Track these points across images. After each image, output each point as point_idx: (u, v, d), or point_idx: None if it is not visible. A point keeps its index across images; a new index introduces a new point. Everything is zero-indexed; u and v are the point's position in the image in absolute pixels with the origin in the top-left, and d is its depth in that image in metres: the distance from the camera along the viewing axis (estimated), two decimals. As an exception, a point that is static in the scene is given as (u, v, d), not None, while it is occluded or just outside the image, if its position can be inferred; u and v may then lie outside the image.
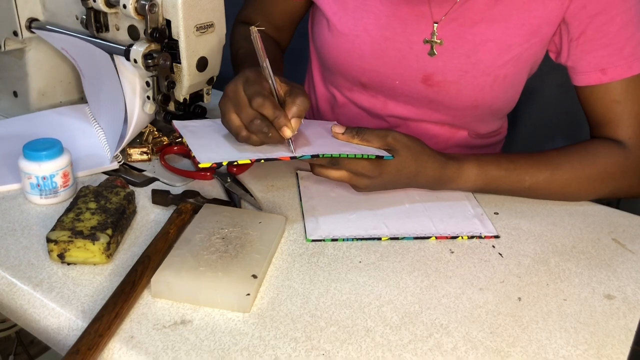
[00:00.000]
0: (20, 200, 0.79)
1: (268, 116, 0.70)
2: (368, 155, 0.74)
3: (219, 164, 0.69)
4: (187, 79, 0.85)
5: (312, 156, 0.72)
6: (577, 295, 0.68)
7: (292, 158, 0.72)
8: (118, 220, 0.69)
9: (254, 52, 0.71)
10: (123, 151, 0.89)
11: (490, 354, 0.59)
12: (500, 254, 0.74)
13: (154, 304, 0.62)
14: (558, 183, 0.84)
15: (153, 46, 0.81)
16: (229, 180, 0.85)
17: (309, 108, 0.73)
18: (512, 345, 0.60)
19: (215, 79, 0.90)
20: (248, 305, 0.61)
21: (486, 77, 0.90)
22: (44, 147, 0.75)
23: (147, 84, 0.86)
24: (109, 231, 0.67)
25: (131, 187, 0.79)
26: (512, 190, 0.85)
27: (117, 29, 0.86)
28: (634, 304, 0.67)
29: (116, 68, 0.85)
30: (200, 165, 0.68)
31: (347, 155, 0.73)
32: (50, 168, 0.76)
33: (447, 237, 0.76)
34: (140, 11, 0.80)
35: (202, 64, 0.85)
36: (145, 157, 0.90)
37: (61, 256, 0.66)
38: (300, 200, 0.83)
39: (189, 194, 0.78)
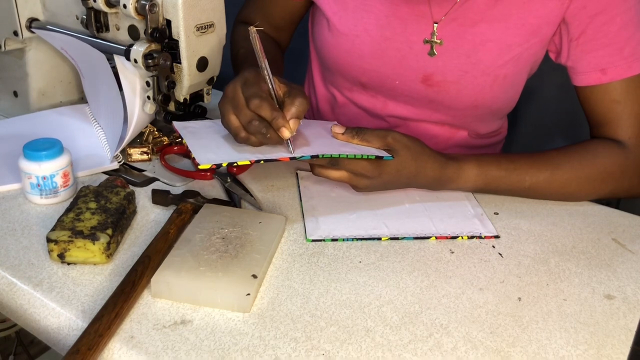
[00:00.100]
0: (21, 200, 0.79)
1: (266, 117, 0.70)
2: (368, 156, 0.74)
3: (219, 165, 0.70)
4: (187, 79, 0.85)
5: (312, 156, 0.72)
6: (577, 295, 0.68)
7: (291, 159, 0.72)
8: (118, 220, 0.69)
9: (254, 53, 0.71)
10: (123, 151, 0.89)
11: (490, 354, 0.59)
12: (500, 254, 0.74)
13: (154, 304, 0.62)
14: (558, 183, 0.84)
15: (153, 46, 0.81)
16: (229, 180, 0.85)
17: (307, 109, 0.73)
18: (512, 345, 0.60)
19: (215, 79, 0.90)
20: (248, 305, 0.61)
21: (486, 77, 0.90)
22: (44, 147, 0.75)
23: (147, 84, 0.86)
24: (109, 231, 0.67)
25: (131, 187, 0.79)
26: (512, 190, 0.85)
27: (118, 29, 0.86)
28: (634, 304, 0.67)
29: (112, 68, 0.85)
30: (200, 167, 0.68)
31: (347, 155, 0.73)
32: (51, 168, 0.76)
33: (447, 237, 0.76)
34: (140, 11, 0.80)
35: (202, 64, 0.85)
36: (145, 157, 0.90)
37: (61, 256, 0.66)
38: (300, 200, 0.83)
39: (189, 194, 0.78)
